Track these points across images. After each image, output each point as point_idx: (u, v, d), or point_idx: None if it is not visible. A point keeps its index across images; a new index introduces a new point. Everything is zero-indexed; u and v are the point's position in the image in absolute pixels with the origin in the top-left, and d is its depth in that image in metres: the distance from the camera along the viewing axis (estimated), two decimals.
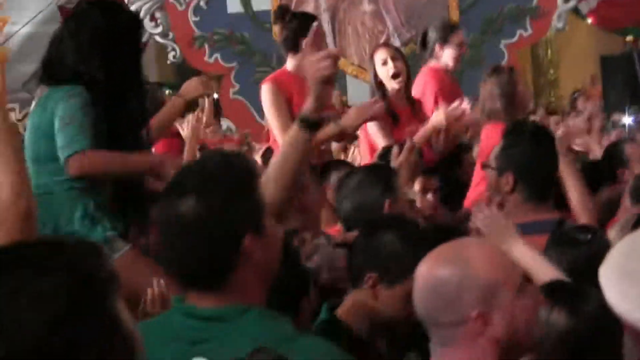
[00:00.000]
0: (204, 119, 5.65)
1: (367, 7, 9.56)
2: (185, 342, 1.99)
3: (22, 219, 2.00)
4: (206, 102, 6.22)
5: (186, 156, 5.04)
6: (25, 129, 3.67)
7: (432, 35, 5.82)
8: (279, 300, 2.10)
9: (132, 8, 8.37)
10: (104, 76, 3.50)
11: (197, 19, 9.47)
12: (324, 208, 3.94)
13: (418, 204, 4.26)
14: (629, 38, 12.73)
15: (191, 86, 4.23)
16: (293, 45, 4.88)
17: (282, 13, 5.03)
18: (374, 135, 5.23)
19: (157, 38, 9.53)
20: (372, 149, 5.21)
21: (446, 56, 5.77)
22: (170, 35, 9.49)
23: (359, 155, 5.81)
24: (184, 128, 5.29)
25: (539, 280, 2.58)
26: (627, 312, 1.68)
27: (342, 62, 8.69)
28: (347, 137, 5.03)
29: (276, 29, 7.32)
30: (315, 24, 4.26)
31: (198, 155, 5.03)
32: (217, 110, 8.56)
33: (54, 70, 3.57)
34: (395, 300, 2.64)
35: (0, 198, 1.99)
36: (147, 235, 3.48)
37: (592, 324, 2.37)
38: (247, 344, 1.91)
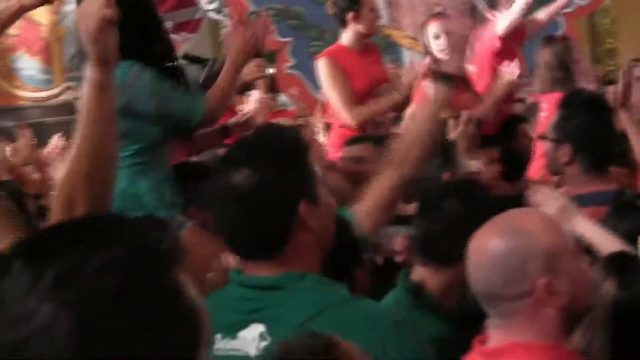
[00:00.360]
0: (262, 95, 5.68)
1: None
2: (242, 312, 2.02)
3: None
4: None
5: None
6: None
7: None
8: (332, 270, 2.11)
9: None
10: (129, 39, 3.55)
11: None
12: None
13: (483, 174, 4.22)
14: None
15: (248, 68, 4.27)
16: (342, 20, 4.90)
17: None
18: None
19: (212, 14, 9.56)
20: None
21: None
22: (225, 11, 9.51)
23: None
24: (249, 102, 5.31)
25: (605, 252, 2.53)
26: None
27: (396, 34, 8.65)
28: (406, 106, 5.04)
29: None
30: None
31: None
32: (273, 85, 8.58)
33: None
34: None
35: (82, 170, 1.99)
36: (205, 210, 3.51)
37: None
38: (307, 308, 1.94)
